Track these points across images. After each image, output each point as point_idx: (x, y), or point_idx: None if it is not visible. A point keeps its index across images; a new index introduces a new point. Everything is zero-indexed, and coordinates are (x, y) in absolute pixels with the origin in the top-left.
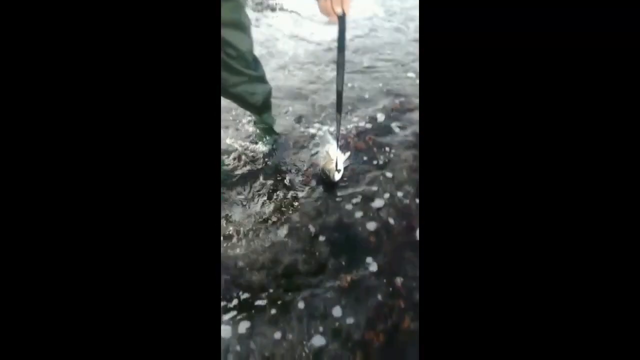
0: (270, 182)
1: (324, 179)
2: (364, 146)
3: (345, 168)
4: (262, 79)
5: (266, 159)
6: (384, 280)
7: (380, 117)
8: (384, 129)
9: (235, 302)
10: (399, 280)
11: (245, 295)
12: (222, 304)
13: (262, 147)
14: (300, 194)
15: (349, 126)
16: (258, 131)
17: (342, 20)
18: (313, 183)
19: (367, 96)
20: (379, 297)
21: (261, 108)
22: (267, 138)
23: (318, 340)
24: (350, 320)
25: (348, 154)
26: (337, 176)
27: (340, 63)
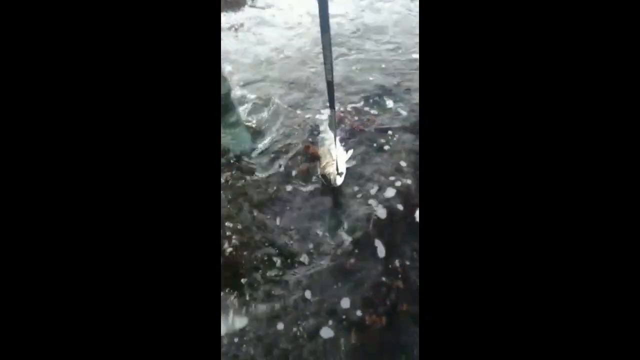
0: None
1: (324, 183)
2: (362, 127)
3: (347, 169)
4: None
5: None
6: (382, 260)
7: (379, 97)
8: (384, 109)
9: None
10: (397, 262)
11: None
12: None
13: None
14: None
15: (348, 107)
16: (232, 142)
17: None
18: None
19: (371, 78)
20: (375, 273)
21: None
22: (244, 144)
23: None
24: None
25: (350, 152)
26: (339, 180)
27: (325, 45)
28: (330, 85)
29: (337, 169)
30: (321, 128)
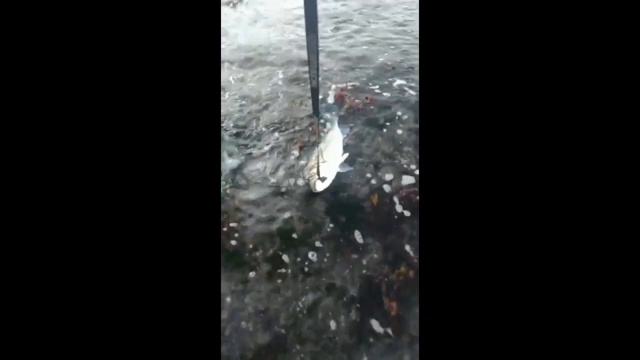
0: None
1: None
2: (361, 106)
3: (339, 175)
4: None
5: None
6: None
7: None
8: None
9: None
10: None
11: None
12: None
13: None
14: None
15: (348, 84)
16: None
17: None
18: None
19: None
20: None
21: None
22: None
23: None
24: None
25: (345, 155)
26: (320, 186)
27: (311, 48)
28: (314, 92)
29: (319, 174)
30: (327, 115)
